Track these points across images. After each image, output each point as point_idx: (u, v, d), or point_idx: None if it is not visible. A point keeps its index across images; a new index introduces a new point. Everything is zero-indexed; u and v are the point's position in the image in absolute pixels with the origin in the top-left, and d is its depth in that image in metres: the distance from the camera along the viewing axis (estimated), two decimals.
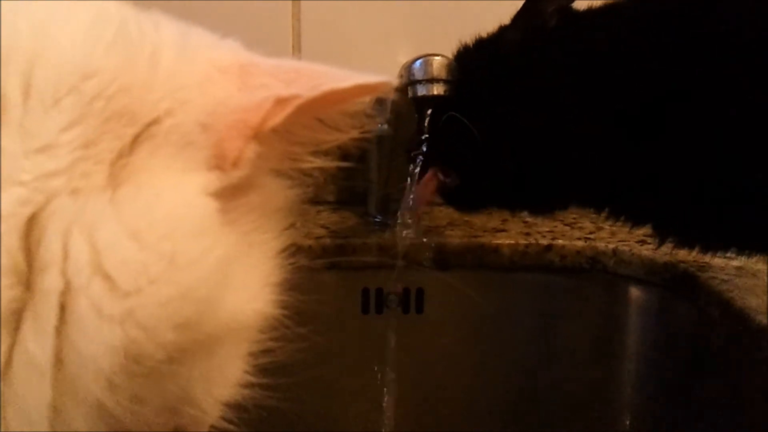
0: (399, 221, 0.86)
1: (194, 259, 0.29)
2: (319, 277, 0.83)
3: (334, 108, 0.33)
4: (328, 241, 0.84)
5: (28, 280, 0.27)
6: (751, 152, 0.55)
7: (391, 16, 0.98)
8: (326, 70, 0.32)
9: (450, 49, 0.70)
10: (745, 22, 0.56)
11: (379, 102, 0.84)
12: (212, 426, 0.35)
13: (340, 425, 0.87)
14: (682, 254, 0.77)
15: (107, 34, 0.30)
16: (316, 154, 0.34)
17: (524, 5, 0.66)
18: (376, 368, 0.84)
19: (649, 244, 0.82)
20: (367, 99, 0.33)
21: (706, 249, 0.65)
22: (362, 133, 0.34)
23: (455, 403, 0.88)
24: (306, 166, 0.35)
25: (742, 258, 0.69)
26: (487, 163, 0.66)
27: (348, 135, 0.34)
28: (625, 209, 0.66)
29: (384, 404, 0.82)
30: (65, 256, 0.27)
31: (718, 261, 0.75)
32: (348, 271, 0.84)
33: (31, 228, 0.27)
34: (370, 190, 0.91)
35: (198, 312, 0.30)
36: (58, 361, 0.27)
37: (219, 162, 0.31)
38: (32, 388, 0.27)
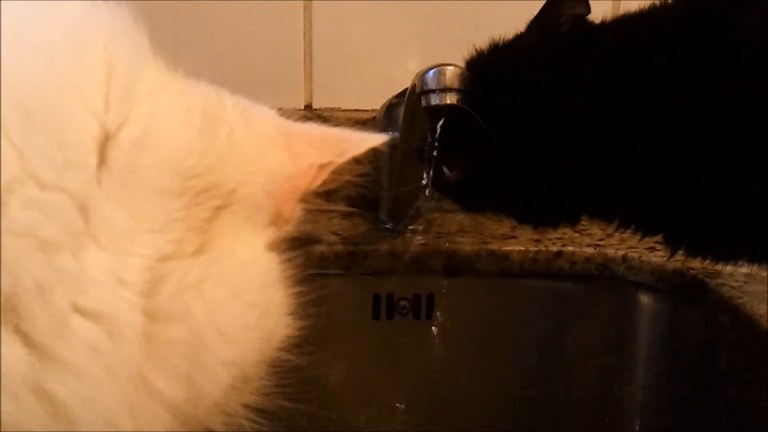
0: (410, 227, 0.87)
1: (273, 307, 0.36)
2: (330, 284, 0.84)
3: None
4: (339, 247, 0.85)
5: (146, 330, 0.31)
6: (764, 163, 0.55)
7: (402, 23, 0.98)
8: (345, 135, 0.41)
9: (460, 57, 0.70)
10: (760, 36, 0.56)
11: (391, 110, 0.85)
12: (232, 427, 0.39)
13: (350, 430, 0.87)
14: (692, 261, 0.77)
15: (197, 121, 0.35)
16: (319, 195, 0.41)
17: (538, 14, 0.66)
18: (386, 374, 0.84)
19: (659, 250, 0.82)
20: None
21: (717, 259, 0.65)
22: (354, 177, 0.42)
23: (465, 408, 0.89)
24: (310, 207, 0.41)
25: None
26: (495, 164, 0.66)
27: (345, 178, 0.41)
28: (636, 220, 0.66)
29: (394, 410, 0.82)
30: (185, 313, 0.32)
31: (727, 268, 0.74)
32: (359, 277, 0.84)
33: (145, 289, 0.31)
34: (381, 196, 0.92)
35: (268, 348, 0.36)
36: (185, 399, 0.32)
37: (275, 220, 0.38)
38: (162, 420, 0.31)
